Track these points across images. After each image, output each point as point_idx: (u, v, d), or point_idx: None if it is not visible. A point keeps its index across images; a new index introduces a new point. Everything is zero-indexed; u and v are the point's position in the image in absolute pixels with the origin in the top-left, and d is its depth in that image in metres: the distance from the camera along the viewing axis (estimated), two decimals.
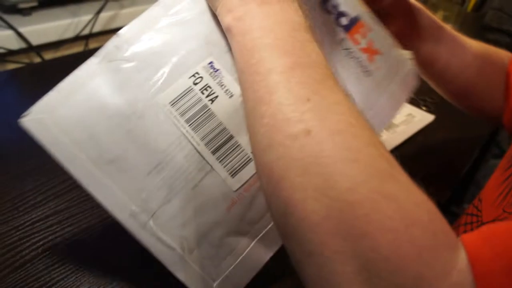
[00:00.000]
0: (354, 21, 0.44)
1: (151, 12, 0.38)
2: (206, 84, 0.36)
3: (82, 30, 0.92)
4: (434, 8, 1.03)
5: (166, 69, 0.35)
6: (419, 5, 0.50)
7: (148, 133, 0.34)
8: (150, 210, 0.34)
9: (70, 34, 0.91)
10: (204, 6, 0.37)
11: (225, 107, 0.36)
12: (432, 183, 0.56)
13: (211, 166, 0.35)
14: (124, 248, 0.42)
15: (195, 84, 0.36)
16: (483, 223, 0.39)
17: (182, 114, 0.35)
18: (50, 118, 0.34)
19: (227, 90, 0.37)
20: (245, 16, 0.31)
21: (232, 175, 0.36)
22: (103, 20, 0.96)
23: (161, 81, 0.35)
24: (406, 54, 0.48)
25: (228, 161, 0.36)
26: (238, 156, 0.36)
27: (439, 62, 0.53)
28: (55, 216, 0.45)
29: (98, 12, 0.92)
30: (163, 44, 0.36)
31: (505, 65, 0.53)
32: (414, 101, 0.74)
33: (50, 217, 0.45)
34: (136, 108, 0.34)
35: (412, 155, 0.61)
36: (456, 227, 0.46)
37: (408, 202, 0.24)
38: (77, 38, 0.92)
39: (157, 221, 0.34)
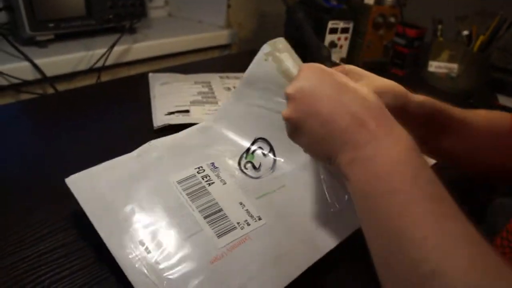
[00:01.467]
0: None
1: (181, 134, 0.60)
2: (207, 174, 0.52)
3: (96, 63, 0.94)
4: (440, 47, 1.05)
5: (183, 161, 0.53)
6: (440, 106, 0.51)
7: (161, 198, 0.48)
8: (144, 249, 0.42)
9: (83, 66, 0.93)
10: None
11: (218, 190, 0.50)
12: None
13: (201, 228, 0.45)
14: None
15: (199, 173, 0.52)
16: None
17: (185, 189, 0.49)
18: (89, 182, 0.47)
19: (221, 179, 0.52)
20: (358, 160, 0.34)
21: (218, 236, 0.45)
22: (116, 54, 0.98)
23: (176, 168, 0.52)
24: None
25: (216, 225, 0.46)
26: (225, 224, 0.46)
27: (454, 151, 0.55)
28: (62, 248, 0.45)
29: (113, 46, 0.95)
30: (180, 148, 0.56)
31: (505, 128, 0.54)
32: None
33: (57, 249, 0.45)
34: (157, 184, 0.49)
35: None
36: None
37: None
38: (90, 71, 0.94)
39: (148, 261, 0.41)
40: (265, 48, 0.53)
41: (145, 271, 0.40)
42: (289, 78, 0.50)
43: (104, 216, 0.44)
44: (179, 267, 0.41)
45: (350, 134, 0.35)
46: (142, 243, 0.42)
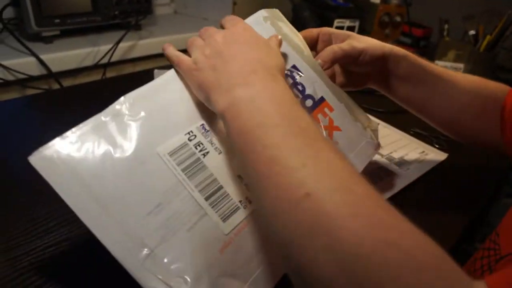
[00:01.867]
0: (318, 103, 0.50)
1: (153, 83, 0.44)
2: (199, 142, 0.42)
3: (101, 59, 0.94)
4: (447, 47, 1.05)
5: (167, 127, 0.41)
6: (398, 52, 0.54)
7: (149, 178, 0.38)
8: (148, 248, 0.36)
9: (89, 62, 0.93)
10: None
11: (214, 161, 0.42)
12: (444, 221, 0.56)
13: (205, 211, 0.39)
14: None
15: (190, 140, 0.42)
16: (501, 257, 0.39)
17: (179, 164, 0.40)
18: (58, 157, 0.37)
19: (216, 147, 0.43)
20: (234, 102, 0.35)
21: (223, 220, 0.40)
22: (121, 50, 0.98)
23: (162, 136, 0.41)
24: (372, 125, 0.53)
25: (219, 207, 0.40)
26: (228, 204, 0.41)
27: (417, 100, 0.58)
28: (67, 242, 0.46)
29: (118, 42, 0.95)
30: (162, 108, 0.42)
31: (498, 98, 0.56)
32: (427, 139, 0.74)
33: (62, 242, 0.45)
34: (139, 155, 0.38)
35: (424, 193, 0.61)
36: (473, 261, 0.45)
37: (413, 248, 0.25)
38: (95, 67, 0.95)
39: (154, 260, 0.36)
40: (263, 13, 0.51)
41: (153, 272, 0.35)
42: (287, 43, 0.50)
43: (92, 210, 0.35)
44: (190, 265, 0.37)
45: (238, 77, 0.37)
46: (143, 244, 0.36)
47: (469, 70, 1.01)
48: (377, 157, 0.67)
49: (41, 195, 0.52)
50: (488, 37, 0.99)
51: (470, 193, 0.63)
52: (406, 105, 0.60)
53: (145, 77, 0.87)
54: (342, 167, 0.30)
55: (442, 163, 0.68)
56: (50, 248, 0.45)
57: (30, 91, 0.87)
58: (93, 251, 0.45)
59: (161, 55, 1.11)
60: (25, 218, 0.48)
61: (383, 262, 0.24)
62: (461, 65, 1.02)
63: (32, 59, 0.85)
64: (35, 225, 0.47)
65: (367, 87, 0.60)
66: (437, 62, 1.07)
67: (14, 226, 0.47)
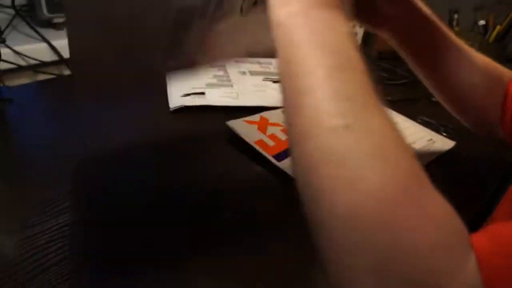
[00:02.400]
0: None
1: None
2: None
3: None
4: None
5: None
6: (427, 14, 0.54)
7: None
8: None
9: None
10: None
11: None
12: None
13: None
14: (151, 256, 0.44)
15: None
16: None
17: None
18: None
19: None
20: (298, 14, 0.33)
21: None
22: None
23: None
24: None
25: None
26: None
27: (443, 69, 0.56)
28: (81, 222, 0.47)
29: None
30: None
31: (504, 84, 0.56)
32: (434, 127, 0.75)
33: (76, 222, 0.47)
34: None
35: (431, 181, 0.61)
36: None
37: (429, 203, 0.26)
38: None
39: None
40: None
41: None
42: None
43: None
44: None
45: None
46: None
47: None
48: None
49: (55, 176, 0.53)
50: (498, 28, 0.99)
51: (477, 182, 0.64)
52: (418, 68, 0.58)
53: None
54: (383, 113, 0.29)
55: (449, 151, 0.68)
56: (66, 227, 0.46)
57: (42, 76, 0.89)
58: (106, 231, 0.46)
59: None
60: (40, 198, 0.49)
61: (397, 210, 0.25)
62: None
63: (43, 45, 0.86)
64: (51, 205, 0.49)
65: (381, 31, 0.56)
66: None
67: (30, 206, 0.48)
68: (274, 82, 0.82)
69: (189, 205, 0.52)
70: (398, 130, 0.29)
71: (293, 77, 0.31)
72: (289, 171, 0.56)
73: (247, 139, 0.61)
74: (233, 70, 0.83)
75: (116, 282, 0.41)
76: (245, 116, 0.68)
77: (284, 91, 0.32)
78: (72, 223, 0.46)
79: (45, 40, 0.86)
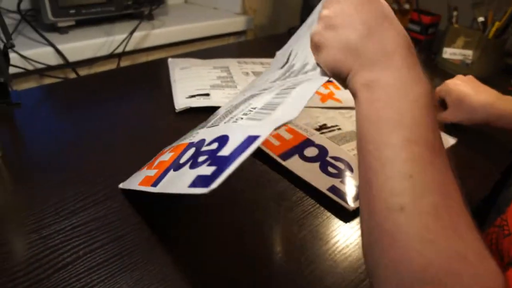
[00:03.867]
0: None
1: None
2: None
3: (116, 49, 0.96)
4: (456, 34, 1.05)
5: None
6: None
7: None
8: None
9: (104, 52, 0.96)
10: None
11: None
12: None
13: None
14: (160, 255, 0.45)
15: None
16: (509, 234, 0.42)
17: None
18: None
19: None
20: (374, 84, 0.35)
21: None
22: (135, 40, 1.00)
23: None
24: None
25: None
26: None
27: None
28: (94, 222, 0.48)
29: (132, 32, 0.97)
30: None
31: None
32: None
33: (89, 222, 0.48)
34: None
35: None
36: (484, 237, 0.47)
37: (476, 282, 0.27)
38: (110, 56, 0.97)
39: None
40: None
41: None
42: None
43: None
44: None
45: (374, 61, 0.36)
46: None
47: (478, 57, 1.02)
48: None
49: (68, 178, 0.55)
50: (497, 24, 1.00)
51: (478, 178, 0.65)
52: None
53: (160, 65, 0.90)
54: (443, 190, 0.31)
55: (450, 148, 0.70)
56: (79, 227, 0.47)
57: (48, 80, 0.90)
58: (118, 231, 0.48)
59: (174, 45, 1.14)
60: (54, 199, 0.51)
61: None
62: (469, 52, 1.03)
63: (49, 49, 0.87)
64: (64, 205, 0.50)
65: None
66: (445, 49, 1.07)
67: (44, 207, 0.49)
68: None
69: (191, 203, 0.53)
70: (452, 205, 0.30)
71: (365, 155, 0.34)
72: (293, 169, 0.57)
73: None
74: (236, 71, 0.84)
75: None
76: None
77: (359, 165, 0.35)
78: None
79: (50, 44, 0.87)
